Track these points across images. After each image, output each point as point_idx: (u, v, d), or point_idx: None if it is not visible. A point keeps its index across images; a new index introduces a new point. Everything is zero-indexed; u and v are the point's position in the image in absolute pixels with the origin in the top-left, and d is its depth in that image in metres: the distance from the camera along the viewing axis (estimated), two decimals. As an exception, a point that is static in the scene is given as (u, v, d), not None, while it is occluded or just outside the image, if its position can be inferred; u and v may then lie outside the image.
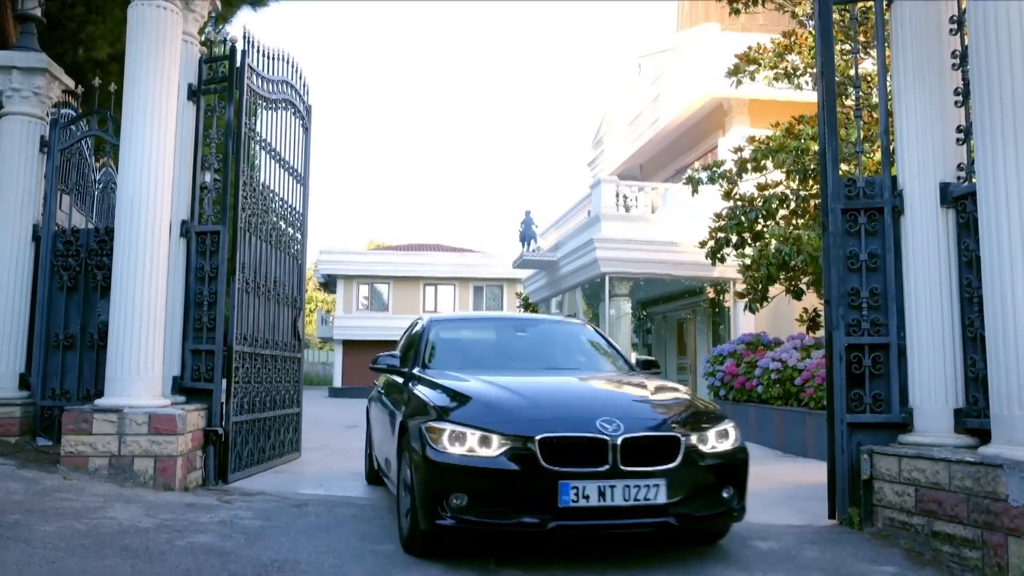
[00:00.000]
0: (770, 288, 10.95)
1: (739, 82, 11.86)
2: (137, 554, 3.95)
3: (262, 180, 7.35)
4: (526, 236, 21.03)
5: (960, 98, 4.87)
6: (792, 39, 11.06)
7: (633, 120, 21.01)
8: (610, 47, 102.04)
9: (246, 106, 6.81)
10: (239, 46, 6.82)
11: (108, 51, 9.41)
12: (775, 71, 11.26)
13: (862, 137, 5.92)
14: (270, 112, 7.44)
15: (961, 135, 4.87)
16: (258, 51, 7.06)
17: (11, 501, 4.75)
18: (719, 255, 11.38)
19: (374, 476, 6.43)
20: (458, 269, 35.58)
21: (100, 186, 8.28)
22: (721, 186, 11.47)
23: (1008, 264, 4.00)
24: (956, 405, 4.70)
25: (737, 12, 11.29)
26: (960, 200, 4.78)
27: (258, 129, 7.23)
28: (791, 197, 10.74)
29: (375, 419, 6.23)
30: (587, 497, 3.71)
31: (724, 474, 4.06)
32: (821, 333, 10.47)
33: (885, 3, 5.34)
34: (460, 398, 4.31)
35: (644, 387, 4.64)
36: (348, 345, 34.54)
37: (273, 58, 7.40)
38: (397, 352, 5.92)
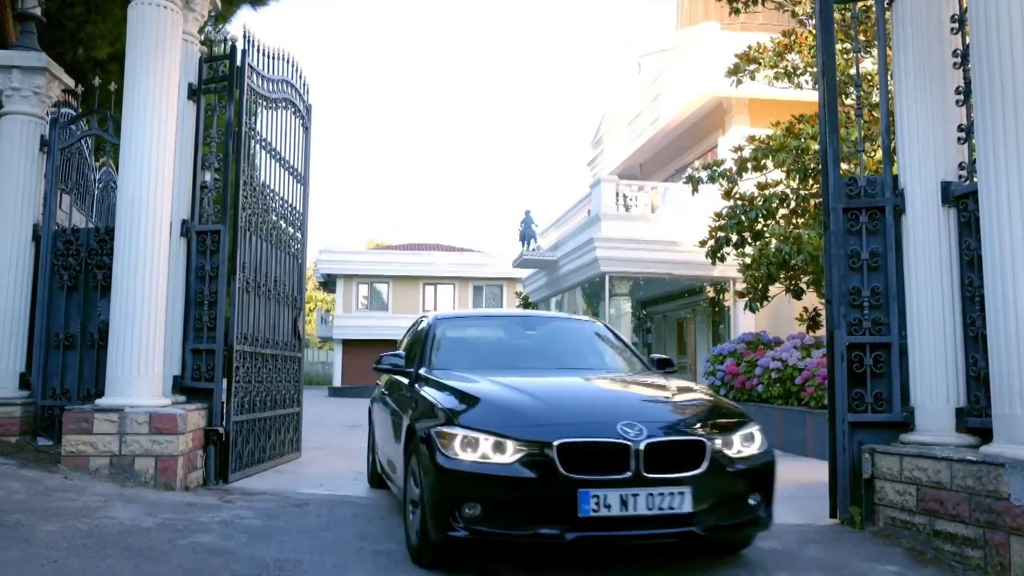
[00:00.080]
0: (770, 287, 10.94)
1: (739, 81, 11.85)
2: (139, 554, 3.95)
3: (262, 179, 7.35)
4: (526, 235, 21.04)
5: (961, 97, 4.87)
6: (792, 38, 11.06)
7: (633, 119, 21.01)
8: (610, 47, 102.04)
9: (246, 105, 6.81)
10: (239, 45, 6.82)
11: (108, 50, 9.40)
12: (775, 70, 11.25)
13: (863, 136, 5.92)
14: (270, 111, 7.43)
15: (962, 134, 4.87)
16: (258, 50, 7.06)
17: (12, 501, 4.74)
18: (719, 254, 11.38)
19: (377, 479, 6.29)
20: (458, 268, 35.61)
21: (100, 185, 8.28)
22: (721, 185, 11.47)
23: (1009, 263, 4.00)
24: (958, 404, 4.70)
25: (737, 11, 11.29)
26: (961, 199, 4.78)
27: (258, 128, 7.23)
28: (791, 196, 10.73)
29: (378, 420, 6.08)
30: (608, 506, 3.49)
31: (750, 480, 3.83)
32: (821, 332, 10.48)
33: (886, 2, 5.33)
34: (470, 400, 4.09)
35: (664, 388, 4.43)
36: (348, 345, 34.55)
37: (273, 57, 7.40)
38: (401, 351, 5.70)
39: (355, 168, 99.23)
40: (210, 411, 6.31)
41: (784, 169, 10.51)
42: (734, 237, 11.04)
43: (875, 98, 8.70)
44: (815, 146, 9.92)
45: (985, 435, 4.37)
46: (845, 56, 9.51)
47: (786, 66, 11.14)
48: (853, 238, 5.21)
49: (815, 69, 9.79)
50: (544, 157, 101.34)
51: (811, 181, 10.39)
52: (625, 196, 16.51)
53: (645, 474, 3.53)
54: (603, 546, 3.78)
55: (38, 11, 7.62)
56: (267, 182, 7.43)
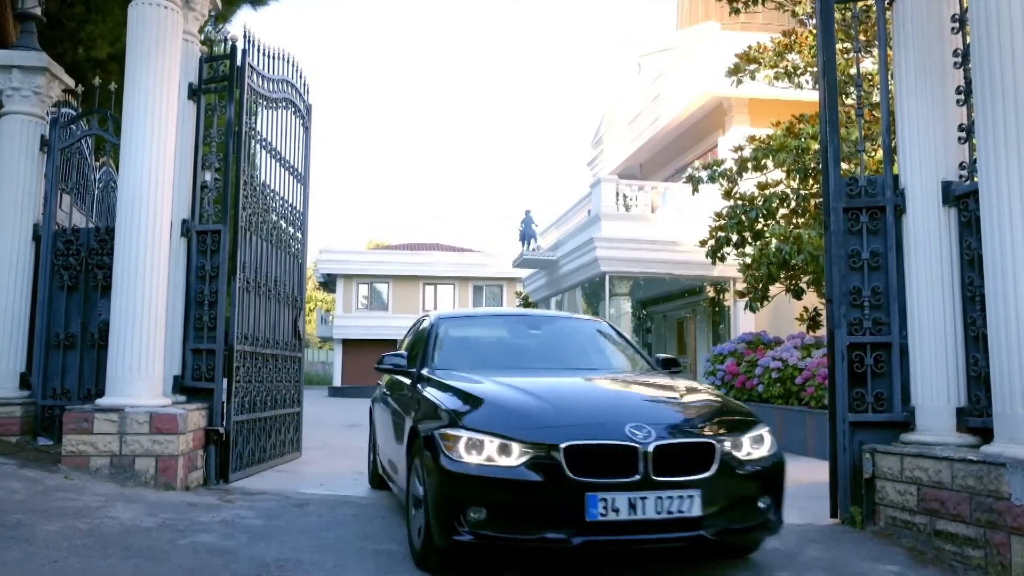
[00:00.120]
0: (770, 287, 10.94)
1: (739, 81, 11.85)
2: (140, 553, 3.95)
3: (262, 179, 7.34)
4: (526, 235, 21.05)
5: (962, 97, 4.87)
6: (792, 38, 11.06)
7: (633, 119, 21.01)
8: (610, 47, 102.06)
9: (246, 105, 6.81)
10: (239, 45, 6.81)
11: (108, 50, 9.40)
12: (775, 70, 11.26)
13: (863, 136, 5.91)
14: (270, 111, 7.43)
15: (963, 134, 4.87)
16: (258, 50, 7.05)
17: (13, 500, 4.74)
18: (719, 254, 11.38)
19: (378, 480, 6.23)
20: (458, 268, 35.61)
21: (100, 185, 8.27)
22: (721, 185, 11.47)
23: (1010, 263, 3.99)
24: (958, 404, 4.70)
25: (737, 11, 11.29)
26: (962, 199, 4.78)
27: (258, 128, 7.22)
28: (791, 196, 10.74)
29: (379, 421, 6.03)
30: (616, 510, 3.42)
31: (760, 483, 3.77)
32: (821, 332, 10.48)
33: (887, 2, 5.33)
34: (474, 401, 4.01)
35: (672, 389, 4.36)
36: (348, 344, 34.56)
37: (273, 57, 7.39)
38: (403, 351, 5.63)
39: (355, 168, 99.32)
40: (210, 411, 6.31)
41: (784, 169, 10.51)
42: (734, 237, 11.04)
43: (875, 98, 8.69)
44: (815, 146, 9.93)
45: (986, 435, 4.36)
46: (845, 56, 9.51)
47: (786, 66, 11.14)
48: (854, 238, 5.21)
49: (815, 69, 9.81)
50: (544, 157, 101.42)
51: (811, 181, 10.40)
52: (625, 196, 16.51)
53: (654, 477, 3.47)
54: (611, 551, 3.74)
55: (38, 11, 7.61)
56: (267, 182, 7.43)
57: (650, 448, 3.49)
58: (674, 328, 20.44)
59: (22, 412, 6.82)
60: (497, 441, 3.57)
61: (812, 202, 10.60)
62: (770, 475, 3.81)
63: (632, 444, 3.50)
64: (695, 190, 12.34)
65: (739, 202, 11.10)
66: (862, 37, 8.79)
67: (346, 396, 28.99)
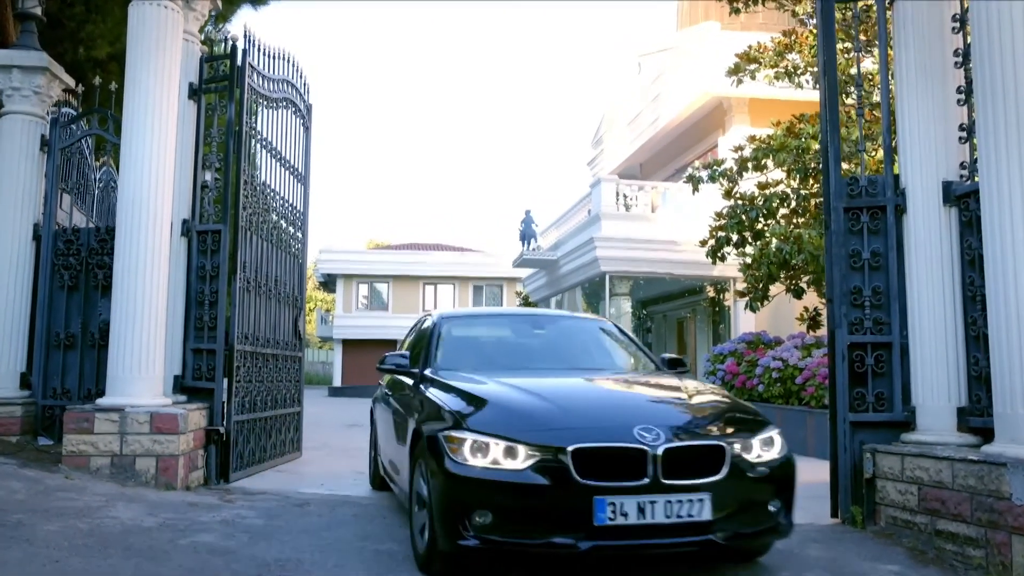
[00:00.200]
0: (771, 287, 10.95)
1: (739, 81, 11.85)
2: (140, 553, 3.95)
3: (263, 179, 7.34)
4: (526, 235, 21.04)
5: (963, 96, 4.87)
6: (792, 38, 11.06)
7: (633, 119, 21.01)
8: (610, 47, 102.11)
9: (247, 105, 6.81)
10: (240, 45, 6.81)
11: (108, 50, 9.40)
12: (775, 70, 11.26)
13: (864, 135, 5.91)
14: (271, 111, 7.43)
15: (964, 133, 4.87)
16: (259, 50, 7.05)
17: (13, 500, 4.74)
18: (719, 254, 11.38)
19: (380, 481, 6.17)
20: (458, 268, 35.60)
21: (101, 185, 8.27)
22: (721, 185, 11.47)
23: (1011, 262, 3.99)
24: (959, 404, 4.70)
25: (737, 11, 11.29)
26: (963, 198, 4.78)
27: (259, 128, 7.22)
28: (792, 196, 10.74)
29: (381, 421, 5.97)
30: (625, 515, 3.35)
31: (771, 486, 3.71)
32: (822, 332, 10.48)
33: (887, 1, 5.33)
34: (478, 403, 3.94)
35: (680, 389, 4.30)
36: (348, 344, 34.56)
37: (274, 57, 7.39)
38: (405, 351, 5.55)
39: (355, 168, 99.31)
40: (211, 411, 6.31)
41: (785, 169, 10.51)
42: (734, 237, 11.04)
43: (876, 97, 8.70)
44: (816, 146, 9.93)
45: (986, 435, 4.36)
46: (846, 55, 9.51)
47: (786, 66, 11.15)
48: (854, 237, 5.21)
49: (815, 68, 9.80)
50: (544, 157, 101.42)
51: (812, 181, 10.40)
52: (625, 196, 16.51)
53: (663, 480, 3.40)
54: (619, 556, 3.68)
55: (38, 11, 7.61)
56: (268, 182, 7.42)
57: (659, 451, 3.43)
58: (674, 328, 20.44)
59: (22, 412, 6.81)
60: (503, 444, 3.50)
61: (812, 202, 10.61)
62: (780, 478, 3.75)
63: (641, 447, 3.44)
64: (695, 190, 12.33)
65: (739, 202, 11.10)
66: (863, 37, 8.79)
67: (346, 396, 29.00)
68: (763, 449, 3.73)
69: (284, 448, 7.72)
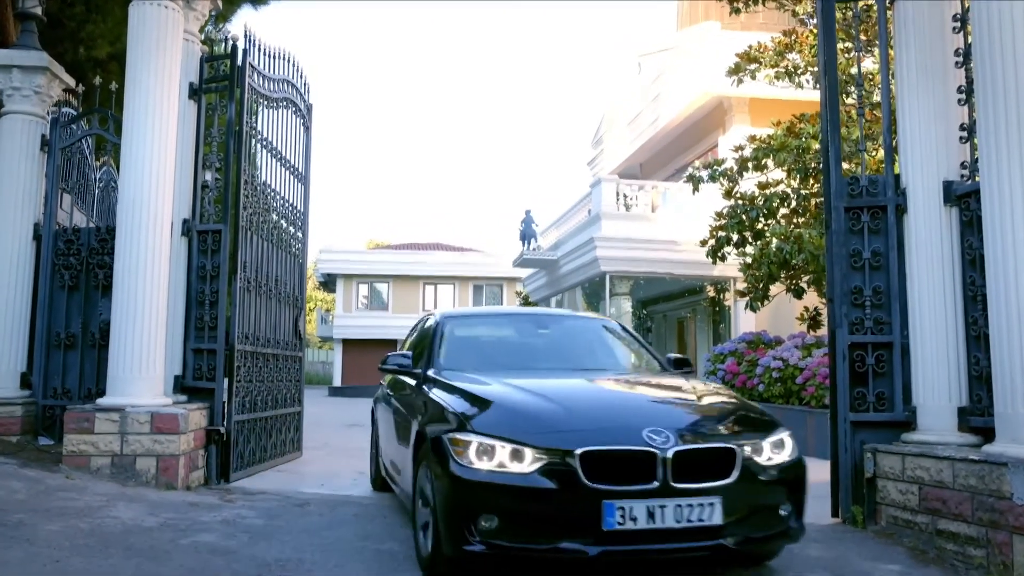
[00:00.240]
0: (771, 287, 10.95)
1: (740, 81, 11.85)
2: (141, 553, 3.95)
3: (263, 179, 7.34)
4: (526, 235, 21.05)
5: (963, 96, 4.87)
6: (793, 38, 11.06)
7: (633, 119, 21.01)
8: (610, 47, 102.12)
9: (247, 104, 6.81)
10: (240, 44, 6.81)
11: (108, 50, 9.40)
12: (776, 70, 11.26)
13: (864, 135, 5.91)
14: (271, 110, 7.42)
15: (964, 133, 4.86)
16: (259, 49, 7.05)
17: (14, 500, 4.74)
18: (720, 254, 11.38)
19: (381, 482, 6.11)
20: (458, 268, 35.61)
21: (101, 185, 8.28)
22: (722, 185, 11.47)
23: (1012, 262, 3.99)
24: (960, 403, 4.70)
25: (737, 11, 11.29)
26: (964, 198, 4.77)
27: (259, 127, 7.22)
28: (792, 196, 10.74)
29: (383, 422, 5.92)
30: (635, 519, 3.28)
31: (782, 489, 3.65)
32: (822, 332, 10.48)
33: (888, 1, 5.33)
34: (483, 404, 3.87)
35: (688, 391, 4.24)
36: (348, 344, 34.58)
37: (274, 56, 7.39)
38: (407, 351, 5.48)
39: (355, 168, 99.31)
40: (211, 410, 6.30)
41: (785, 168, 10.52)
42: (735, 236, 11.05)
43: (876, 97, 8.70)
44: (816, 145, 9.94)
45: (987, 434, 4.36)
46: (846, 55, 9.51)
47: (787, 65, 11.15)
48: (855, 237, 5.21)
49: (816, 68, 9.81)
50: (544, 157, 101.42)
51: (812, 180, 10.40)
52: (625, 196, 16.51)
53: (673, 484, 3.33)
54: (628, 561, 3.61)
55: (38, 10, 7.61)
56: (268, 181, 7.42)
57: (669, 454, 3.36)
58: (674, 328, 20.44)
59: (23, 412, 6.81)
60: (509, 446, 3.43)
61: (813, 202, 10.61)
62: (791, 481, 3.69)
63: (651, 450, 3.37)
64: (695, 190, 12.33)
65: (739, 202, 11.10)
66: (863, 36, 8.78)
67: (346, 396, 28.99)
68: (774, 451, 3.67)
69: (284, 448, 7.72)
